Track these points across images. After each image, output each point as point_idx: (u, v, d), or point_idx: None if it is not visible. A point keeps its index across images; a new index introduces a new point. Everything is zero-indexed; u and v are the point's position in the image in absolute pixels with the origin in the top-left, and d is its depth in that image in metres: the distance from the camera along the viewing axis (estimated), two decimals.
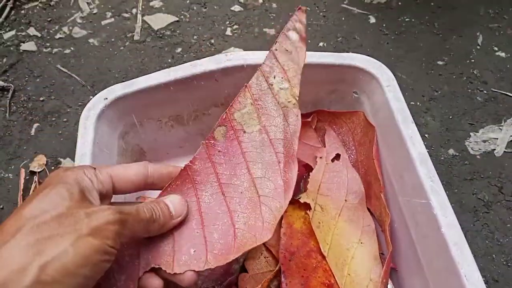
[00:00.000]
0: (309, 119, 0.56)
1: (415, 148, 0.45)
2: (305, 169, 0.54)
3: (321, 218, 0.48)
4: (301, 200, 0.48)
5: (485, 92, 0.75)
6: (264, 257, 0.48)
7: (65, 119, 0.69)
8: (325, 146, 0.55)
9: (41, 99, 0.72)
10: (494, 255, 0.58)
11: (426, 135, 0.69)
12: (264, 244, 0.48)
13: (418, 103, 0.73)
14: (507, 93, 0.74)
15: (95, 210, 0.27)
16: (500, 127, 0.70)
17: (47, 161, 0.64)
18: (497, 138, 0.69)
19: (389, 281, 0.48)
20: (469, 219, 0.61)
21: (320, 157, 0.54)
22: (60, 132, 0.67)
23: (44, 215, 0.25)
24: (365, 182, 0.52)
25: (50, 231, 0.24)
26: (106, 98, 0.49)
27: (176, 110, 0.54)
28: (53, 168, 0.63)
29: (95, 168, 0.32)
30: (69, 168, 0.31)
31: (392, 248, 0.45)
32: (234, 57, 0.50)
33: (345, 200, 0.51)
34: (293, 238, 0.45)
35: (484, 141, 0.69)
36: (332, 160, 0.54)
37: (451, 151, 0.67)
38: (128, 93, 0.49)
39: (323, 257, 0.46)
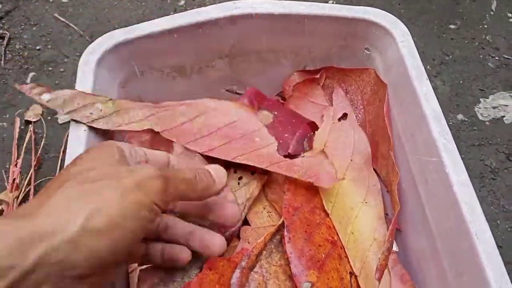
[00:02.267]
0: (317, 76, 0.53)
1: (429, 105, 0.43)
2: (310, 128, 0.52)
3: None
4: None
5: (497, 58, 0.73)
6: (267, 212, 0.46)
7: (62, 69, 0.66)
8: (332, 105, 0.53)
9: (37, 48, 0.69)
10: (499, 221, 0.57)
11: None
12: (266, 199, 0.47)
13: (428, 67, 0.71)
14: None
15: (138, 167, 0.27)
16: (511, 94, 0.68)
17: (43, 111, 0.62)
18: (507, 105, 0.67)
19: (393, 242, 0.47)
20: (475, 185, 0.59)
21: (327, 116, 0.52)
22: (56, 82, 0.65)
23: (89, 172, 0.26)
24: (372, 142, 0.50)
25: (95, 184, 0.25)
26: (107, 44, 0.46)
27: (179, 60, 0.52)
28: (49, 118, 0.61)
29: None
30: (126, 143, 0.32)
31: (400, 207, 0.44)
32: (243, 5, 0.48)
33: (351, 160, 0.50)
34: (297, 194, 0.44)
35: (494, 108, 0.67)
36: (339, 120, 0.53)
37: (460, 116, 0.66)
38: (129, 39, 0.47)
39: (327, 214, 0.44)
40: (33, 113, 0.61)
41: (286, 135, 0.48)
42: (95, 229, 0.23)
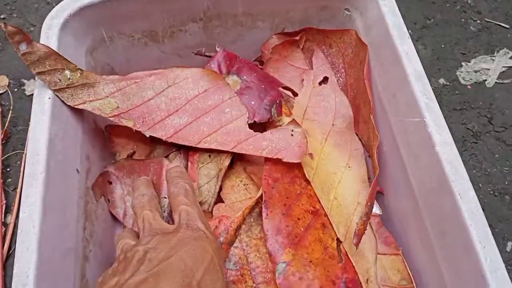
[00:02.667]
0: (297, 38, 0.51)
1: (411, 64, 0.41)
2: (281, 94, 0.49)
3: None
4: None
5: (478, 21, 0.71)
6: (244, 185, 0.45)
7: None
8: (312, 69, 0.51)
9: (1, 16, 0.65)
10: (481, 185, 0.57)
11: None
12: (245, 171, 0.45)
13: (410, 31, 0.69)
14: (501, 24, 0.71)
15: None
16: (493, 58, 0.67)
17: (9, 82, 0.59)
18: (489, 69, 0.66)
19: (377, 205, 0.46)
20: (457, 149, 0.59)
21: (307, 81, 0.50)
22: None
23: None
24: (353, 106, 0.49)
25: None
26: (71, 7, 0.43)
27: (149, 25, 0.49)
28: (16, 90, 0.58)
29: None
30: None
31: (379, 171, 0.43)
32: None
33: (332, 125, 0.48)
34: (277, 164, 0.42)
35: (476, 72, 0.66)
36: (320, 84, 0.51)
37: (441, 81, 0.64)
38: (95, 2, 0.44)
39: (308, 182, 0.43)
40: None
41: (253, 102, 0.45)
42: None
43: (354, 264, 0.40)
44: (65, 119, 0.41)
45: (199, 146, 0.42)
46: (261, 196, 0.41)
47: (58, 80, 0.40)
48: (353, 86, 0.49)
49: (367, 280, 0.40)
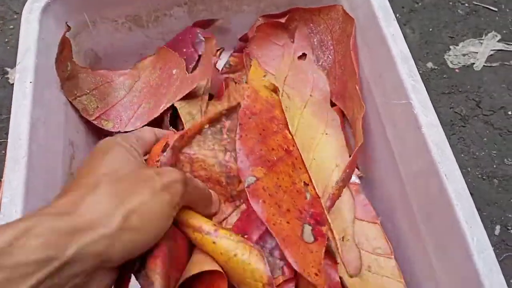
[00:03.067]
0: (283, 20, 0.51)
1: (396, 46, 0.41)
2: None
3: (288, 104, 0.46)
4: (267, 84, 0.46)
5: (466, 5, 0.71)
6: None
7: (11, 26, 0.62)
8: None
9: None
10: (469, 169, 0.57)
11: None
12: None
13: (397, 15, 0.69)
14: (489, 7, 0.71)
15: (164, 170, 0.30)
16: (481, 41, 0.67)
17: None
18: (477, 52, 0.66)
19: (355, 175, 0.46)
20: (445, 133, 0.59)
21: (287, 53, 0.50)
22: (6, 40, 0.60)
23: (117, 173, 0.28)
24: (341, 83, 0.49)
25: (127, 185, 0.27)
26: None
27: (133, 9, 0.48)
28: None
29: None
30: (119, 136, 0.33)
31: (363, 141, 0.42)
32: None
33: (310, 95, 0.49)
34: (257, 101, 0.42)
35: (464, 55, 0.66)
36: (298, 59, 0.51)
37: (429, 65, 0.64)
38: None
39: (286, 127, 0.43)
40: None
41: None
42: (132, 226, 0.25)
43: (330, 221, 0.40)
44: (47, 103, 0.40)
45: (163, 109, 0.45)
46: (225, 114, 0.40)
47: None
48: (341, 62, 0.49)
49: (343, 238, 0.40)
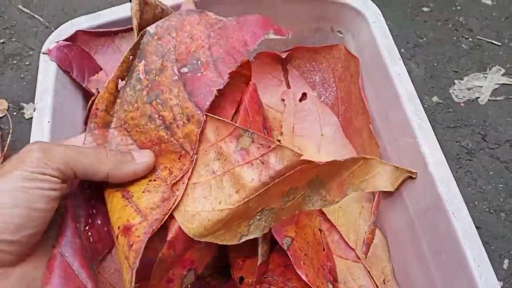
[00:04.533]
0: (283, 56, 0.52)
1: (402, 85, 0.42)
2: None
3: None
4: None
5: (470, 39, 0.73)
6: None
7: (27, 62, 0.64)
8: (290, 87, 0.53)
9: (1, 41, 0.66)
10: (476, 202, 0.57)
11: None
12: None
13: (402, 50, 0.70)
14: (492, 41, 0.72)
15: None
16: (485, 75, 0.68)
17: (8, 106, 0.60)
18: (482, 86, 0.67)
19: None
20: (452, 167, 0.59)
21: (288, 99, 0.52)
22: (22, 76, 0.62)
23: None
24: (344, 119, 0.50)
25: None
26: (70, 31, 0.44)
27: None
28: (15, 114, 0.59)
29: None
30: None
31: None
32: None
33: (321, 135, 0.49)
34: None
35: (469, 89, 0.67)
36: (300, 100, 0.52)
37: (435, 99, 0.65)
38: (93, 26, 0.45)
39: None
40: None
41: None
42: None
43: (368, 270, 0.41)
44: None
45: None
46: (132, 54, 0.35)
47: None
48: (343, 99, 0.50)
49: (383, 281, 0.40)
